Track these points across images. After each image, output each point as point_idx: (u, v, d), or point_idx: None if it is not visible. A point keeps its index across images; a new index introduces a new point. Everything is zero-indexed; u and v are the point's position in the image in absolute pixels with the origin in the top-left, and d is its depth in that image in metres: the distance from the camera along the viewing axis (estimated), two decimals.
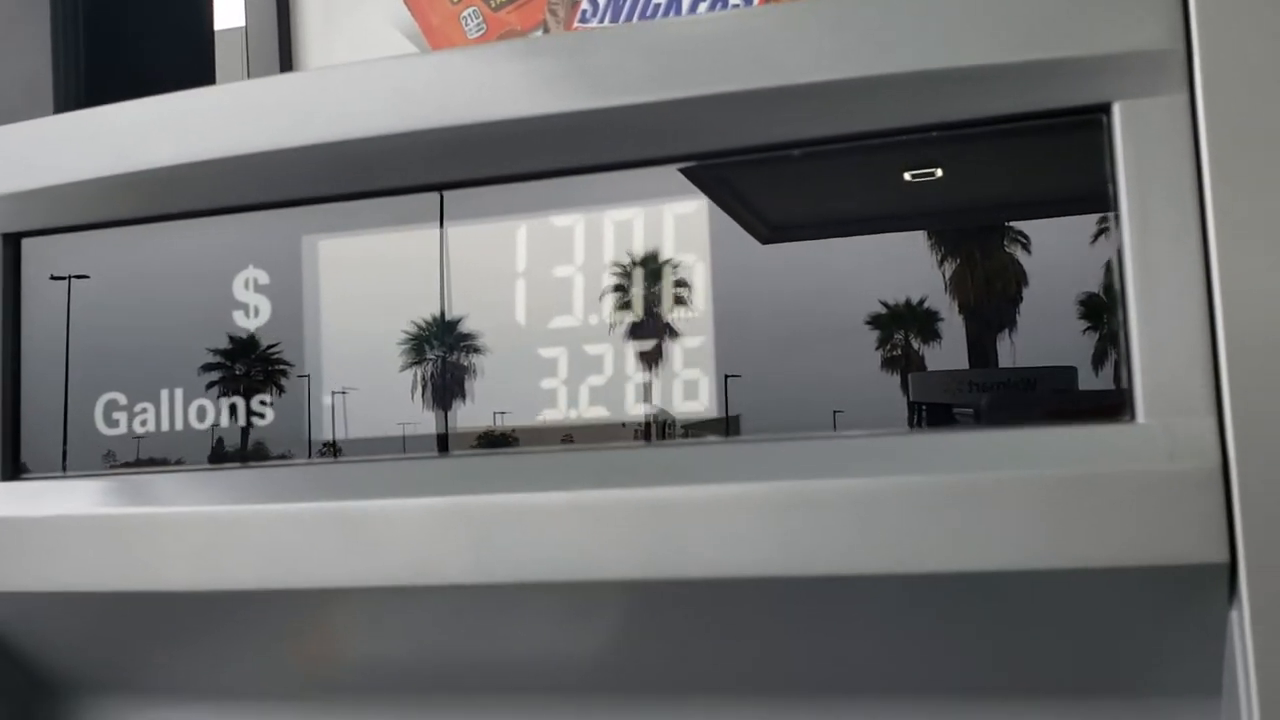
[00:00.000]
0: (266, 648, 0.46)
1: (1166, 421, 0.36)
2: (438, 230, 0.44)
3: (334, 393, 0.45)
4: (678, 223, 0.42)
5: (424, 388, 0.44)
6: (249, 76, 0.81)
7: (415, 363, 0.44)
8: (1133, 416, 0.36)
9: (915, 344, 0.39)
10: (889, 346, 0.39)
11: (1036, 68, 0.38)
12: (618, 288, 0.42)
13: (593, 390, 0.42)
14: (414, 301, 0.45)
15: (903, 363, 0.39)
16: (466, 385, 0.44)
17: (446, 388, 0.44)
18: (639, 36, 0.41)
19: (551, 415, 0.43)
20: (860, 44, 0.39)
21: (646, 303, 0.42)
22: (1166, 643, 0.38)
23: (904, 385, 0.39)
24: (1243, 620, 0.34)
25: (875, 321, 0.39)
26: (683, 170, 0.42)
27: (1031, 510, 0.36)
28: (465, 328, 0.44)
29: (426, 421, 0.44)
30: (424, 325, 0.44)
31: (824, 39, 0.39)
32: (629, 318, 0.42)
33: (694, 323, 0.41)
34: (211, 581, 0.43)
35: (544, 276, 0.43)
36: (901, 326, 0.39)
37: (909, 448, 0.38)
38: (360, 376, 0.45)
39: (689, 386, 0.41)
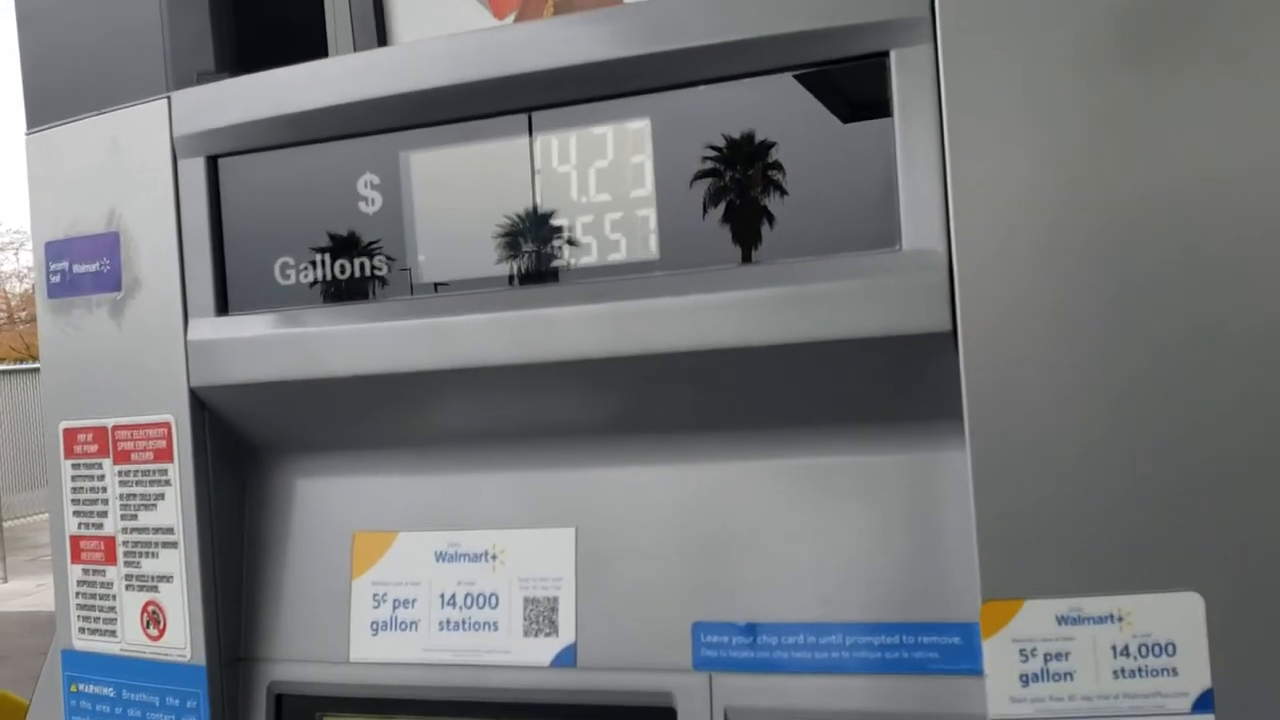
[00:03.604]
0: (392, 414, 0.73)
1: (918, 247, 0.59)
2: (500, 142, 0.69)
3: (427, 255, 0.70)
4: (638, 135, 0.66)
5: (494, 247, 0.69)
6: (352, 27, 1.05)
7: (491, 233, 0.69)
8: (900, 245, 0.59)
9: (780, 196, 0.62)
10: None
11: (843, 30, 0.60)
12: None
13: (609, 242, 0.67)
14: (485, 191, 0.69)
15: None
16: (525, 239, 0.68)
17: (509, 242, 0.69)
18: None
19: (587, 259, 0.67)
20: (733, 13, 0.62)
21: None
22: (927, 385, 0.61)
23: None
24: (960, 366, 0.57)
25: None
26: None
27: (834, 303, 0.60)
28: (521, 206, 0.68)
29: (493, 263, 0.69)
30: (513, 218, 0.69)
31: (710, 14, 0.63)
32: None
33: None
34: (352, 368, 0.70)
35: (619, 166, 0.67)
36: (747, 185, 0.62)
37: (770, 272, 0.62)
38: (449, 247, 0.70)
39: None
